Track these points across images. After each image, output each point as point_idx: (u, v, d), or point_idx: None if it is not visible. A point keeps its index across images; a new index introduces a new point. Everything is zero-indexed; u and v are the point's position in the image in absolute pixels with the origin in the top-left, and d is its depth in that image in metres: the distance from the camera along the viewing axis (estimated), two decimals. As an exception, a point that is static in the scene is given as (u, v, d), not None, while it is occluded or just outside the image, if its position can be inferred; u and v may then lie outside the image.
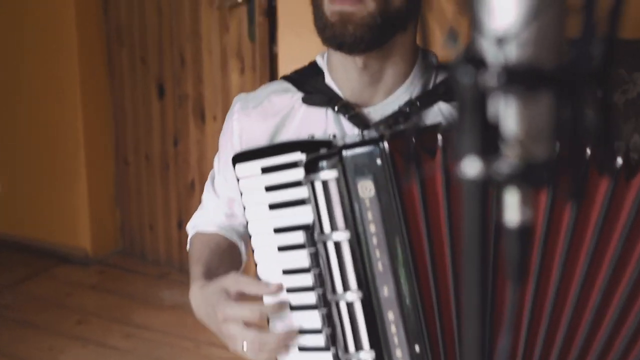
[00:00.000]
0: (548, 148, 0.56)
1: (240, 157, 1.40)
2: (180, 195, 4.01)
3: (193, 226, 1.64)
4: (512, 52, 0.53)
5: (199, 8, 3.73)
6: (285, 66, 3.19)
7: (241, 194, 1.40)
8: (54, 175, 4.16)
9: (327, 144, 1.32)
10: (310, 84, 1.48)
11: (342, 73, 1.44)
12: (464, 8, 0.57)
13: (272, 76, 3.61)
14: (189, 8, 3.76)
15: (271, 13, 3.53)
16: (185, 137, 3.94)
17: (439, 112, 1.41)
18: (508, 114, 0.54)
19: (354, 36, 1.33)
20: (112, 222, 4.27)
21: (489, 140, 0.52)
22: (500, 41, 0.53)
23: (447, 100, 1.41)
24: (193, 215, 1.67)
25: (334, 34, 1.34)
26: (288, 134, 1.47)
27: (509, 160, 0.55)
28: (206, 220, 1.63)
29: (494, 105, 0.54)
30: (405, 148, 1.20)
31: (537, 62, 0.53)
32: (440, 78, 1.45)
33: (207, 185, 1.64)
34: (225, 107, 3.75)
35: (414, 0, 1.36)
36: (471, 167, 0.52)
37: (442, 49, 0.61)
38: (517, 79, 0.51)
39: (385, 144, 1.22)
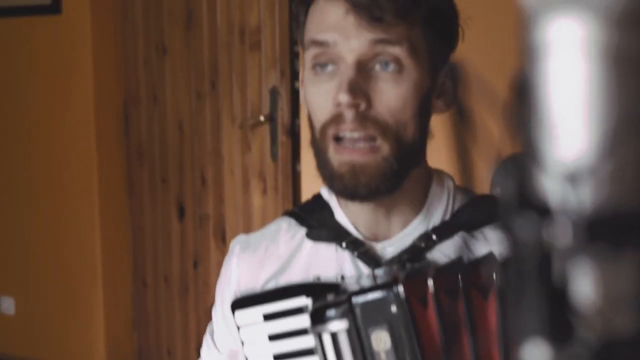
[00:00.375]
0: (637, 319, 0.41)
1: (240, 303, 1.25)
2: (200, 319, 3.88)
3: None
4: (587, 194, 0.39)
5: (221, 127, 3.67)
6: (309, 186, 3.08)
7: (242, 344, 1.25)
8: (69, 296, 4.05)
9: (335, 287, 1.17)
10: (316, 219, 1.32)
11: (352, 207, 1.28)
12: (516, 131, 0.43)
13: (295, 197, 3.52)
14: (211, 127, 3.70)
15: (294, 132, 3.46)
16: (205, 259, 3.83)
17: (459, 242, 1.25)
18: (582, 276, 0.39)
19: (369, 187, 1.17)
20: (129, 346, 4.13)
21: (556, 314, 0.38)
22: (571, 179, 0.39)
23: (467, 230, 1.25)
24: None
25: (345, 187, 1.18)
26: (294, 275, 1.30)
27: (584, 337, 0.40)
28: None
29: (561, 264, 0.40)
30: (422, 292, 1.05)
31: (622, 206, 0.39)
32: (458, 203, 1.29)
33: (206, 339, 1.48)
34: (247, 229, 3.66)
35: (424, 127, 1.21)
36: (536, 354, 0.37)
37: (485, 184, 0.47)
38: (598, 233, 0.37)
39: (400, 288, 1.08)
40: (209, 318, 4.20)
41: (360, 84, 1.15)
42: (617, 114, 0.41)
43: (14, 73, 4.04)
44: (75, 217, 3.97)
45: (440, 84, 1.22)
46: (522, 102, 0.43)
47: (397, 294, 1.08)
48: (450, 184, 1.30)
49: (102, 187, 3.91)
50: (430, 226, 1.26)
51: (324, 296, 1.16)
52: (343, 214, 1.29)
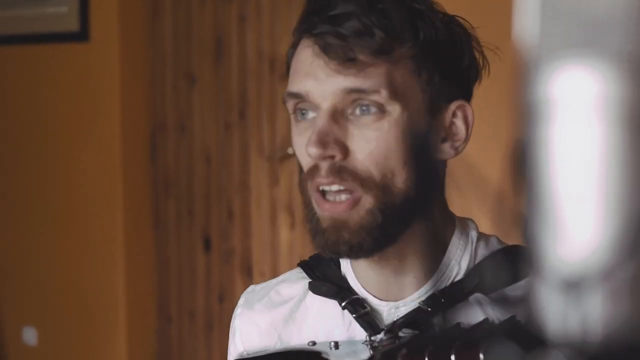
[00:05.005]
0: None
1: None
2: (224, 355, 3.74)
3: None
4: (595, 311, 0.29)
5: (249, 159, 3.61)
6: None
7: None
8: (92, 329, 3.99)
9: (316, 356, 1.06)
10: (321, 271, 1.21)
11: (361, 264, 1.15)
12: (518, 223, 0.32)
13: (323, 232, 3.44)
14: (238, 159, 3.65)
15: (323, 165, 3.38)
16: (231, 294, 3.75)
17: (475, 304, 1.11)
18: None
19: (350, 244, 1.06)
20: (152, 381, 4.06)
21: None
22: (574, 287, 0.29)
23: (484, 291, 1.11)
24: None
25: (326, 242, 1.07)
26: (299, 329, 1.21)
27: None
28: None
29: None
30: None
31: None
32: (480, 256, 1.14)
33: None
34: (274, 264, 3.61)
35: (424, 175, 1.08)
36: None
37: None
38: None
39: None
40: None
41: (334, 133, 1.04)
42: (642, 199, 0.31)
43: (39, 101, 4.02)
44: (99, 248, 3.93)
45: (446, 125, 1.10)
46: (520, 180, 0.33)
47: None
48: (474, 234, 1.16)
49: (128, 218, 3.86)
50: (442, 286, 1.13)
51: None
52: (351, 269, 1.18)
